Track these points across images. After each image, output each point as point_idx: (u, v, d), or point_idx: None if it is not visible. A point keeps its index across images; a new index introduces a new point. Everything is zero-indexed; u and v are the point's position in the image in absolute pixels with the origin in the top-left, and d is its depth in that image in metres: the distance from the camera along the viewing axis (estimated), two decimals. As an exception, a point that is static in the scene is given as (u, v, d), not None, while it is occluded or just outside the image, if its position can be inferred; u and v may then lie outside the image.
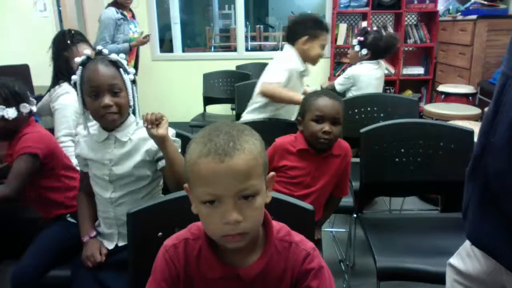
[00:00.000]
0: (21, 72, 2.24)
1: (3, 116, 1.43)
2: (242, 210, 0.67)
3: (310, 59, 2.05)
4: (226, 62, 4.33)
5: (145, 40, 3.36)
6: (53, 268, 1.37)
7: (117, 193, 1.29)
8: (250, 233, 0.70)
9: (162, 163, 1.27)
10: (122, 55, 1.27)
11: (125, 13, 3.24)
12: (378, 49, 2.54)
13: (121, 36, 3.21)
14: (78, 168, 1.44)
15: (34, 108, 1.55)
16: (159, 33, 4.75)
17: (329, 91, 1.57)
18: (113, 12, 3.15)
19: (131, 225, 1.01)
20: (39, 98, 2.25)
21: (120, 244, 1.33)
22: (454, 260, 0.95)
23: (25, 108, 1.48)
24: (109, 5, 3.28)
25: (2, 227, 1.56)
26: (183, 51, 5.72)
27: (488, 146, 0.72)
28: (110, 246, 1.33)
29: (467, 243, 0.90)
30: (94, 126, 1.32)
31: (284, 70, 1.97)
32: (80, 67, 1.21)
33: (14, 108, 1.45)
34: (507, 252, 0.69)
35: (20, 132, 1.48)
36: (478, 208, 0.76)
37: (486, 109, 2.90)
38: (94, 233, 1.33)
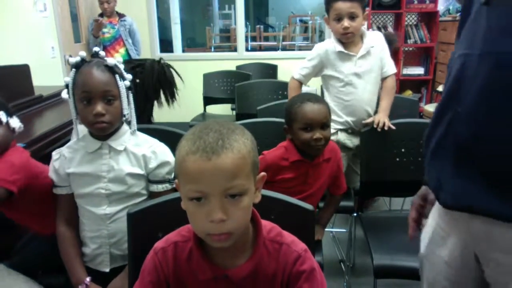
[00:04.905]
0: (21, 72, 2.22)
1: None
2: (228, 209, 0.67)
3: (339, 38, 1.82)
4: (226, 62, 4.33)
5: (98, 23, 3.77)
6: (51, 269, 1.34)
7: (112, 208, 1.20)
8: (236, 233, 0.69)
9: (157, 187, 1.22)
10: (120, 59, 1.20)
11: (103, 18, 3.83)
12: None
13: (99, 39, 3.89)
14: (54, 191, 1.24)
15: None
16: (159, 33, 4.75)
17: (312, 94, 1.51)
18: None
19: (131, 225, 1.01)
20: (39, 98, 2.25)
21: (111, 267, 1.23)
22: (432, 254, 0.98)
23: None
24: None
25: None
26: (183, 51, 5.72)
27: (455, 117, 0.78)
28: (101, 268, 1.24)
29: (425, 243, 0.99)
30: (82, 136, 1.23)
31: (305, 61, 1.90)
32: (74, 70, 1.14)
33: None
34: (488, 201, 0.73)
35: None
36: (455, 176, 0.79)
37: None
38: (88, 279, 1.18)
